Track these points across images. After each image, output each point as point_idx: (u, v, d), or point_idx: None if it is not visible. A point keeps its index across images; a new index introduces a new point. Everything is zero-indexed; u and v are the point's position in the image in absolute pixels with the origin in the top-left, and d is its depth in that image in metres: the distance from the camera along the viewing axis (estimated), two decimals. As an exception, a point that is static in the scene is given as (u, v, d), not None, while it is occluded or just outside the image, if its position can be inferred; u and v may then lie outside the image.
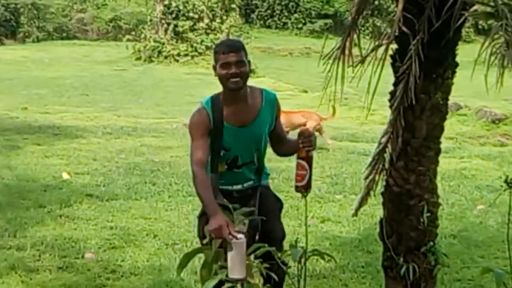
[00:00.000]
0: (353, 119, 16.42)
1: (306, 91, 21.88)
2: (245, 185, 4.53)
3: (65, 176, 9.45)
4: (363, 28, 4.66)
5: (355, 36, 4.23)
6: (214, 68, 4.32)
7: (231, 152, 4.40)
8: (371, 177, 4.34)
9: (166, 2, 30.28)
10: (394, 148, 4.18)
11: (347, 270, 6.21)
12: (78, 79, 23.56)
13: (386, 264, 4.41)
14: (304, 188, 4.21)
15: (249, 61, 4.32)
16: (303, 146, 4.18)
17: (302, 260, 3.92)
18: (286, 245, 4.38)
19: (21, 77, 23.57)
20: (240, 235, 3.85)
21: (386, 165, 4.29)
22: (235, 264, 3.77)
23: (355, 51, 4.22)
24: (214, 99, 4.37)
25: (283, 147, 4.58)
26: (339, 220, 7.73)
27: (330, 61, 4.20)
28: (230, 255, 3.79)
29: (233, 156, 4.42)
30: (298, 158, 4.24)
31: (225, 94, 4.34)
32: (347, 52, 4.19)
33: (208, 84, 23.55)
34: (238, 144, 4.38)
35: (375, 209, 7.01)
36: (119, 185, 9.04)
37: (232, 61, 4.20)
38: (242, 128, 4.36)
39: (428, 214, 4.22)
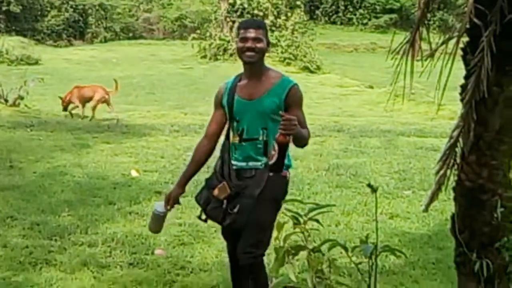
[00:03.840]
0: (420, 114, 16.26)
1: (372, 87, 21.77)
2: (250, 164, 4.63)
3: (134, 173, 9.58)
4: (430, 22, 4.59)
5: (423, 29, 4.17)
6: (236, 42, 4.65)
7: (240, 123, 4.62)
8: (442, 172, 4.26)
9: (231, 0, 30.39)
10: (465, 142, 4.10)
11: (417, 267, 6.14)
12: (145, 78, 23.86)
13: (459, 260, 4.33)
14: (273, 168, 4.35)
15: (268, 42, 4.58)
16: (279, 128, 4.21)
17: (373, 256, 3.89)
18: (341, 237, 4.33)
19: (89, 77, 23.96)
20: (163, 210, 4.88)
21: (458, 160, 4.21)
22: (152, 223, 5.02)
23: (422, 45, 4.17)
24: (240, 74, 4.70)
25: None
26: (408, 216, 7.65)
27: (398, 56, 4.15)
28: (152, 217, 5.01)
29: (241, 128, 4.62)
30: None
31: (243, 68, 4.64)
32: (415, 46, 4.13)
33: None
34: (245, 117, 4.59)
35: (445, 205, 6.92)
36: (187, 182, 9.10)
37: (250, 36, 4.50)
38: (249, 101, 4.58)
39: (502, 209, 4.13)
